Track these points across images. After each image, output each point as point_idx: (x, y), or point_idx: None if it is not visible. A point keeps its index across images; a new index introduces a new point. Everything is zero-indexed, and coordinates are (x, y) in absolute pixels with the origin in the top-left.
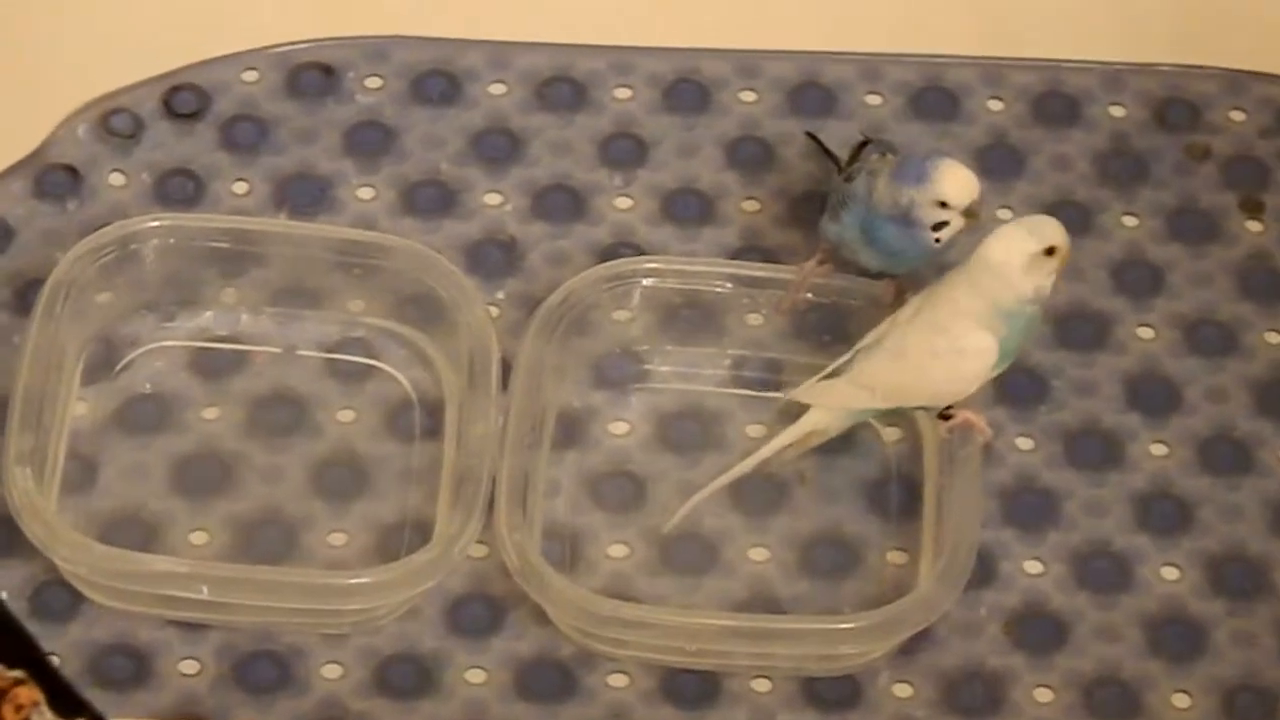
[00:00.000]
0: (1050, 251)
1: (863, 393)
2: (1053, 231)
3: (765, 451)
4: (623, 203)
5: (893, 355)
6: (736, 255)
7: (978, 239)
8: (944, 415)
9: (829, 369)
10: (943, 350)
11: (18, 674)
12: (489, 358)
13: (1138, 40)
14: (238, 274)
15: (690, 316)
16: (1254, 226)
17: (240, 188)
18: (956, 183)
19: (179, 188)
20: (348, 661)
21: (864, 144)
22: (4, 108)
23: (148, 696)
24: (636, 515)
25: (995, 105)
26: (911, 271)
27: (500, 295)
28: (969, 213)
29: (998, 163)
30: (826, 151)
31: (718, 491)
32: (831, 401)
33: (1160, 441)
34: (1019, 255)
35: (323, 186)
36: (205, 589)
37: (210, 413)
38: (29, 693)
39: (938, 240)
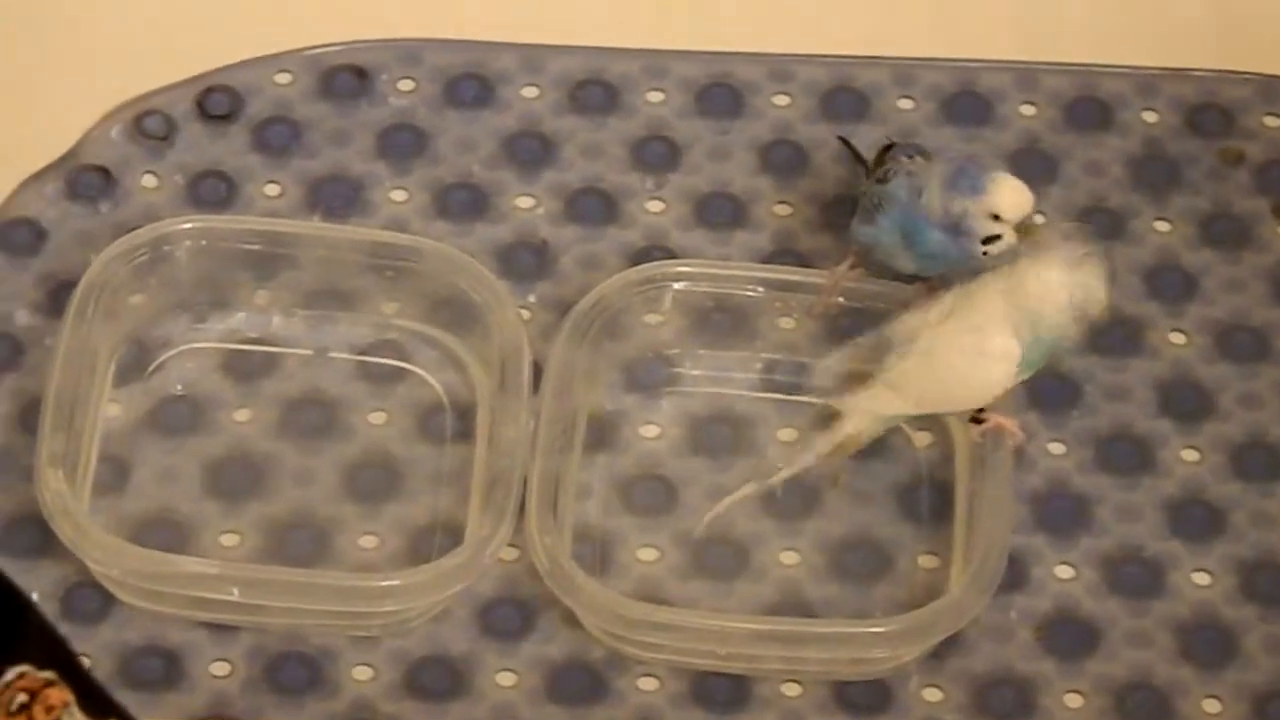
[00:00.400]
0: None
1: (896, 399)
2: (1091, 281)
3: (799, 464)
4: (655, 206)
5: (923, 358)
6: (768, 259)
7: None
8: (976, 419)
9: (855, 345)
10: (969, 349)
11: (48, 675)
12: (520, 361)
13: (1171, 45)
14: (270, 276)
15: (722, 320)
16: None
17: (272, 190)
18: (1012, 197)
19: (212, 190)
20: (378, 663)
21: (889, 147)
22: (37, 109)
23: (178, 698)
24: (667, 519)
25: (1028, 110)
26: (945, 274)
27: (532, 298)
28: (1022, 228)
29: (1030, 168)
30: (856, 155)
31: (747, 497)
32: (866, 407)
33: (1192, 447)
34: (1055, 292)
35: (355, 189)
36: (236, 591)
37: (242, 414)
38: (60, 694)
39: (986, 253)
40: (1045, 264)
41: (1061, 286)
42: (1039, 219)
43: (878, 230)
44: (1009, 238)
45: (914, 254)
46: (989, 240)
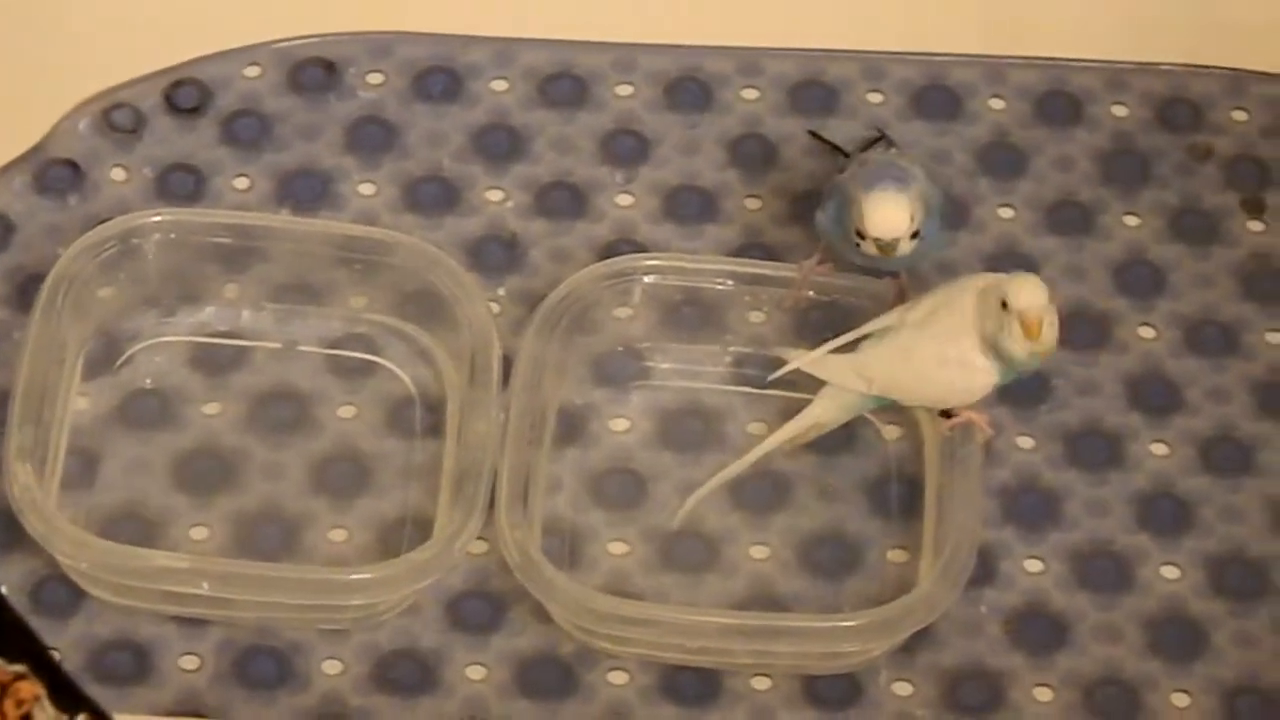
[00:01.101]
0: (1006, 306)
1: (860, 381)
2: (1017, 290)
3: (767, 445)
4: (624, 200)
5: (899, 353)
6: (738, 253)
7: (984, 240)
8: (945, 414)
9: (833, 344)
10: (951, 360)
11: (19, 669)
12: (490, 354)
13: (1140, 40)
14: (239, 270)
15: (691, 314)
16: (1255, 227)
17: (242, 183)
18: (874, 217)
19: (180, 183)
20: (348, 658)
21: (878, 139)
22: (6, 102)
23: (148, 692)
24: (637, 513)
25: (997, 104)
26: (912, 269)
27: (501, 292)
28: (882, 245)
29: (999, 162)
30: (832, 145)
31: (719, 488)
32: (828, 375)
33: (1161, 441)
34: (992, 297)
35: (324, 182)
36: (206, 585)
37: (211, 408)
38: (30, 687)
39: (858, 245)
40: (1025, 281)
41: (993, 289)
42: (1007, 213)
43: (827, 219)
44: (870, 248)
45: (850, 245)
46: (860, 234)
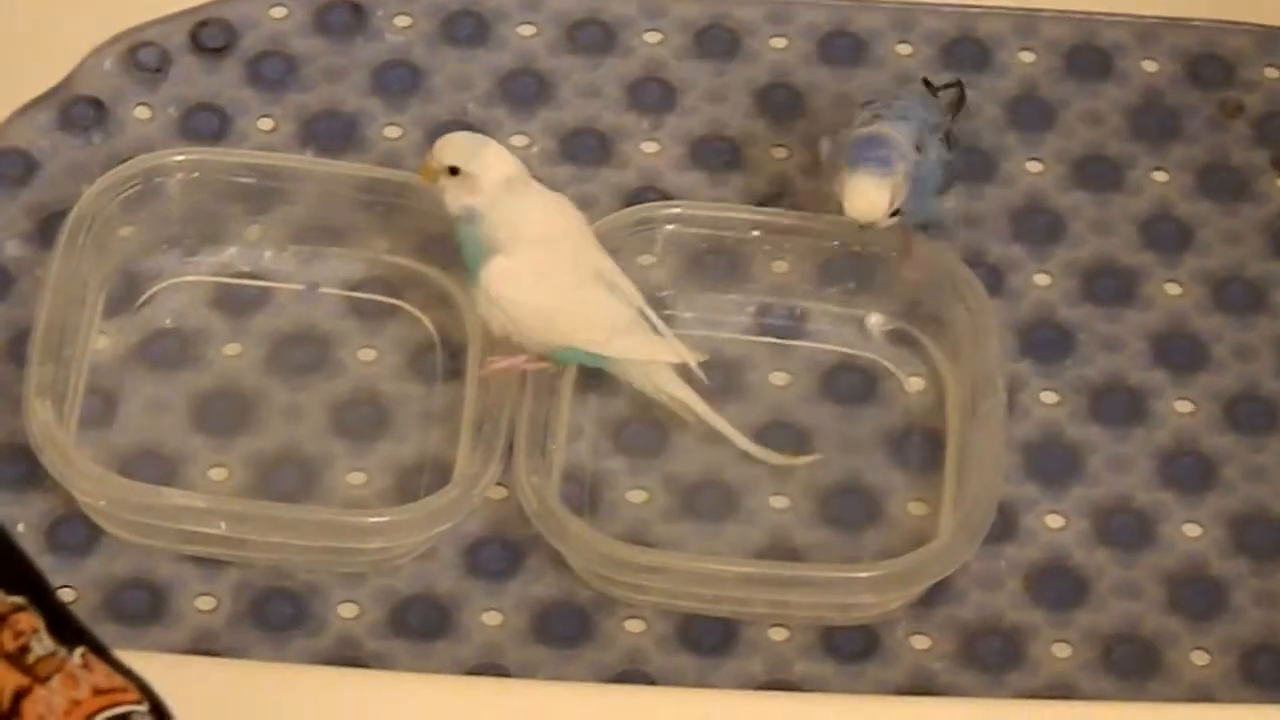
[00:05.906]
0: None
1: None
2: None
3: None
4: (650, 147)
5: None
6: (764, 202)
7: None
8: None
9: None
10: None
11: (18, 600)
12: None
13: None
14: (262, 210)
15: (714, 263)
16: None
17: (266, 124)
18: (854, 198)
19: (205, 123)
20: (364, 601)
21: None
22: (31, 40)
23: (163, 631)
24: (657, 461)
25: (1027, 57)
26: (923, 222)
27: None
28: (863, 227)
29: (1028, 115)
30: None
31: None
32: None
33: (1185, 399)
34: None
35: (349, 124)
36: (223, 525)
37: (232, 349)
38: (29, 619)
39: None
40: None
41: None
42: (1035, 166)
43: (831, 149)
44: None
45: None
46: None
